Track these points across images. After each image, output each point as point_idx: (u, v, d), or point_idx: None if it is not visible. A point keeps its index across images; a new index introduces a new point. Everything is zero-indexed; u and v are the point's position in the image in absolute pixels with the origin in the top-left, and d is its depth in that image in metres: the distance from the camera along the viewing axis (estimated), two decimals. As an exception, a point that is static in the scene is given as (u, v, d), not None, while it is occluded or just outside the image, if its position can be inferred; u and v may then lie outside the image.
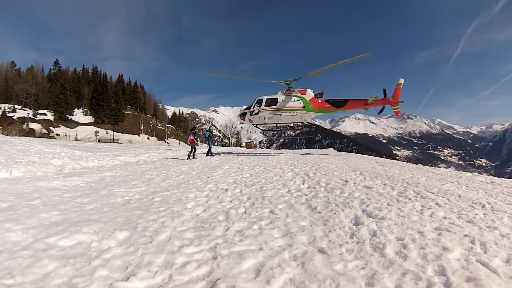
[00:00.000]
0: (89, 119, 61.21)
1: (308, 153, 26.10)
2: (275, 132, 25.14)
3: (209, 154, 18.89)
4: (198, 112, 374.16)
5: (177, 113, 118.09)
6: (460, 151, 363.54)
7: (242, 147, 64.89)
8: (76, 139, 47.08)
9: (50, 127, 49.69)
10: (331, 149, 42.93)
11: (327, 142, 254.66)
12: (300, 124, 22.07)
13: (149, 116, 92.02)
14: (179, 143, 70.03)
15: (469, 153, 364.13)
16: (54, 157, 11.74)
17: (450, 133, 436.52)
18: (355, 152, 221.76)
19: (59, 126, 51.45)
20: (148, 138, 68.29)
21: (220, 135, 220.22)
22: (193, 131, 18.25)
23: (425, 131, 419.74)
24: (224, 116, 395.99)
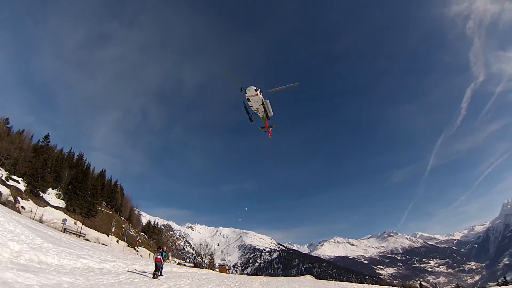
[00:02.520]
0: (61, 203, 58.06)
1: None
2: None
3: (160, 274, 17.42)
4: (174, 225, 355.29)
5: (152, 222, 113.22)
6: (447, 259, 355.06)
7: (215, 269, 62.18)
8: (41, 220, 44.30)
9: (19, 197, 46.90)
10: (308, 276, 41.59)
11: (305, 267, 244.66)
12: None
13: (123, 218, 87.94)
14: (149, 255, 65.63)
15: (456, 260, 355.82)
16: (14, 238, 10.67)
17: (434, 243, 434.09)
18: (335, 276, 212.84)
19: (28, 200, 48.49)
20: (117, 242, 63.72)
21: (194, 252, 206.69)
22: (160, 250, 17.99)
23: (407, 246, 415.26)
24: (199, 234, 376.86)
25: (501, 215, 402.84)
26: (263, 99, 20.77)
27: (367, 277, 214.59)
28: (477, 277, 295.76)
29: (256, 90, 19.88)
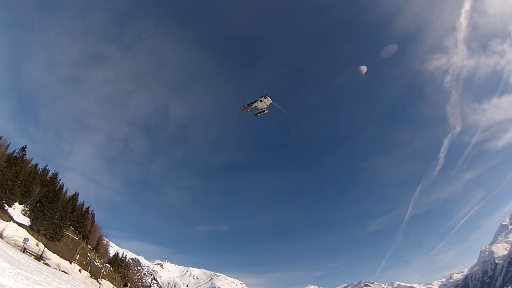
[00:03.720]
0: (26, 221, 54.29)
1: None
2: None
3: None
4: (143, 261, 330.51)
5: (120, 255, 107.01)
6: None
7: None
8: (0, 235, 41.59)
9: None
10: None
11: None
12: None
13: (89, 247, 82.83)
14: None
15: None
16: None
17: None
18: None
19: (-9, 211, 45.51)
20: (80, 271, 59.86)
21: None
22: (125, 287, 17.72)
23: None
24: (168, 272, 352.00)
25: (479, 262, 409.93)
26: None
27: None
28: None
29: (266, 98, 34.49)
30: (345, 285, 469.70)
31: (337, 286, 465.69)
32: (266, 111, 36.20)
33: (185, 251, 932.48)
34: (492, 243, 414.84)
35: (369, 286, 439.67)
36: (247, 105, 36.47)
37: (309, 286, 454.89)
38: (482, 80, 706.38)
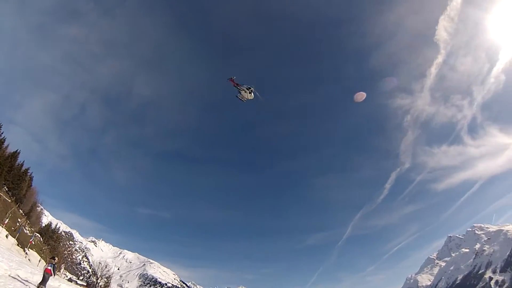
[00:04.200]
0: None
1: None
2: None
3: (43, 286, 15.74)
4: (76, 235, 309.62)
5: (54, 225, 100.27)
6: None
7: None
8: None
9: None
10: None
11: None
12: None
13: (21, 212, 76.19)
14: (39, 261, 57.10)
15: None
16: None
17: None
18: None
19: None
20: (6, 236, 54.92)
21: (90, 271, 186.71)
22: (53, 260, 16.91)
23: None
24: (101, 252, 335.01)
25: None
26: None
27: None
28: None
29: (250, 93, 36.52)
30: None
31: None
32: (244, 101, 37.14)
33: (122, 232, 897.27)
34: (418, 273, 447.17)
35: None
36: (236, 84, 36.81)
37: (240, 287, 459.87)
38: (437, 127, 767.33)
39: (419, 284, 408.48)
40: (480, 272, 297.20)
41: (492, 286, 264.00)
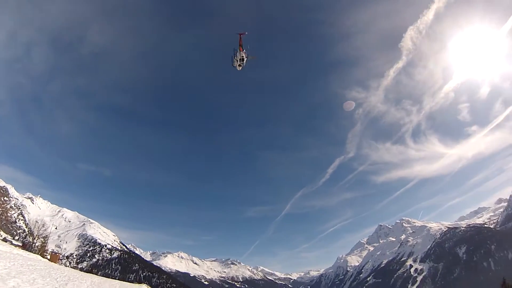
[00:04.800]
0: None
1: None
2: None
3: None
4: (12, 191, 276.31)
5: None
6: None
7: (45, 256, 51.07)
8: None
9: None
10: (144, 286, 37.67)
11: (144, 274, 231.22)
12: None
13: None
14: None
15: None
16: None
17: (272, 279, 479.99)
18: None
19: None
20: None
21: (26, 230, 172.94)
22: None
23: (248, 276, 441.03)
24: (39, 209, 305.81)
25: (334, 266, 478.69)
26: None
27: None
28: None
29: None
30: (214, 259, 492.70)
31: (206, 259, 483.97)
32: (235, 65, 34.38)
33: (61, 189, 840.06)
34: (348, 254, 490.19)
35: (236, 264, 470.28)
36: (240, 44, 33.65)
37: (179, 252, 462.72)
38: (385, 125, 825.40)
39: (348, 264, 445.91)
40: (402, 259, 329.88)
41: (411, 273, 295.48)
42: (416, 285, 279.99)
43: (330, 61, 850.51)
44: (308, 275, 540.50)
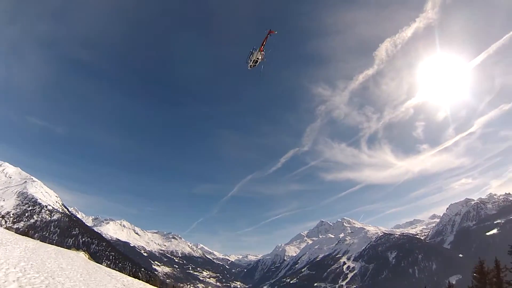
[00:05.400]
0: None
1: None
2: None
3: None
4: None
5: None
6: (218, 274, 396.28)
7: None
8: None
9: None
10: (81, 253, 33.98)
11: (83, 240, 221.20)
12: None
13: None
14: None
15: (226, 276, 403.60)
16: None
17: (211, 258, 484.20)
18: (112, 259, 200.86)
19: None
20: None
21: None
22: None
23: (187, 252, 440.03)
24: None
25: (272, 254, 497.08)
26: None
27: (143, 270, 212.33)
28: None
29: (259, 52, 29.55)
30: (155, 231, 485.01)
31: (148, 230, 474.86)
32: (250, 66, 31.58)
33: (6, 141, 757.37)
34: (287, 244, 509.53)
35: (177, 239, 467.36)
36: (264, 43, 30.13)
37: (122, 220, 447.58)
38: (344, 126, 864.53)
39: (286, 253, 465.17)
40: (337, 256, 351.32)
41: (344, 269, 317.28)
42: (346, 281, 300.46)
43: (303, 54, 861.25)
44: (246, 259, 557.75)
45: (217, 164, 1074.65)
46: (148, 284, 23.91)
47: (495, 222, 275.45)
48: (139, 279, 39.12)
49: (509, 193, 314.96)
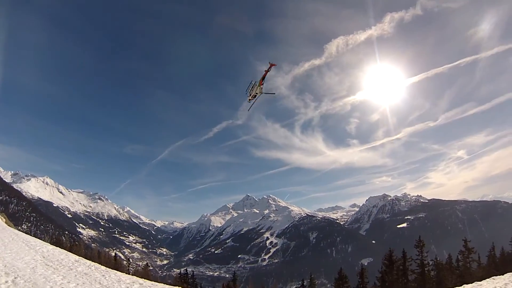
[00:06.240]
0: None
1: None
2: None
3: None
4: None
5: None
6: (144, 240, 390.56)
7: None
8: None
9: None
10: None
11: (0, 198, 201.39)
12: None
13: None
14: None
15: (152, 242, 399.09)
16: None
17: (137, 222, 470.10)
18: (33, 221, 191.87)
19: None
20: None
21: None
22: None
23: (113, 215, 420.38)
24: None
25: (197, 222, 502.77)
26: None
27: (67, 233, 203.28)
28: (165, 261, 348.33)
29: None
30: (81, 191, 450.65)
31: (73, 189, 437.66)
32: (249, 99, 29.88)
33: None
34: (213, 214, 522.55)
35: (103, 200, 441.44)
36: (264, 77, 27.51)
37: (45, 177, 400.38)
38: (281, 107, 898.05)
39: (211, 223, 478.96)
40: (261, 231, 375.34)
41: (267, 244, 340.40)
42: (269, 255, 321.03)
43: (256, 29, 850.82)
44: (172, 225, 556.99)
45: (150, 126, 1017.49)
46: (70, 253, 22.58)
47: (406, 217, 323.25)
48: (62, 244, 40.86)
49: (420, 195, 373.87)
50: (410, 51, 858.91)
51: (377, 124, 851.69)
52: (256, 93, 28.63)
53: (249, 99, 29.24)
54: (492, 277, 12.25)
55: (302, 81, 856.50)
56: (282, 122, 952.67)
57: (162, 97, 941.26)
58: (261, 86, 28.08)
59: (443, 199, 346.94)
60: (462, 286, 12.19)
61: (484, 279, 12.23)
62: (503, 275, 12.07)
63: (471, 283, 12.38)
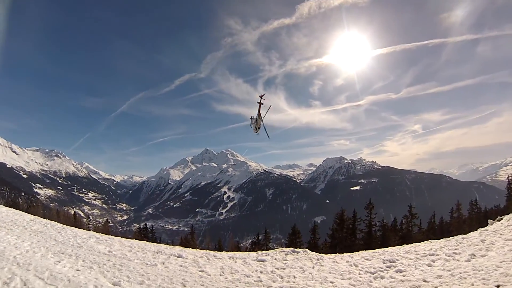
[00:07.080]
0: None
1: None
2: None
3: None
4: None
5: None
6: (104, 196, 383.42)
7: None
8: None
9: None
10: None
11: None
12: None
13: None
14: None
15: (112, 198, 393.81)
16: None
17: (96, 178, 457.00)
18: None
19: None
20: None
21: None
22: None
23: (71, 172, 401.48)
24: None
25: (156, 176, 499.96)
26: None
27: (23, 194, 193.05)
28: (125, 217, 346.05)
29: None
30: (36, 148, 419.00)
31: (28, 148, 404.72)
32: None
33: None
34: (172, 168, 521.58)
35: (60, 157, 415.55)
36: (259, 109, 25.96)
37: None
38: (246, 63, 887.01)
39: (170, 177, 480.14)
40: (219, 185, 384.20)
41: (224, 198, 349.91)
42: (226, 209, 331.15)
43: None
44: (131, 180, 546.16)
45: (110, 77, 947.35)
46: (26, 213, 22.25)
47: (360, 181, 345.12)
48: (19, 207, 39.94)
49: (375, 162, 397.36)
50: (383, 24, 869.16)
51: (341, 88, 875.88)
52: (259, 125, 26.34)
53: (257, 133, 26.40)
54: (430, 240, 13.31)
55: (269, 39, 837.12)
56: (245, 78, 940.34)
57: (123, 46, 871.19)
58: (261, 117, 25.39)
59: (395, 167, 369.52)
60: (403, 245, 13.20)
61: (423, 241, 13.36)
62: (439, 240, 13.05)
63: (411, 243, 13.45)
